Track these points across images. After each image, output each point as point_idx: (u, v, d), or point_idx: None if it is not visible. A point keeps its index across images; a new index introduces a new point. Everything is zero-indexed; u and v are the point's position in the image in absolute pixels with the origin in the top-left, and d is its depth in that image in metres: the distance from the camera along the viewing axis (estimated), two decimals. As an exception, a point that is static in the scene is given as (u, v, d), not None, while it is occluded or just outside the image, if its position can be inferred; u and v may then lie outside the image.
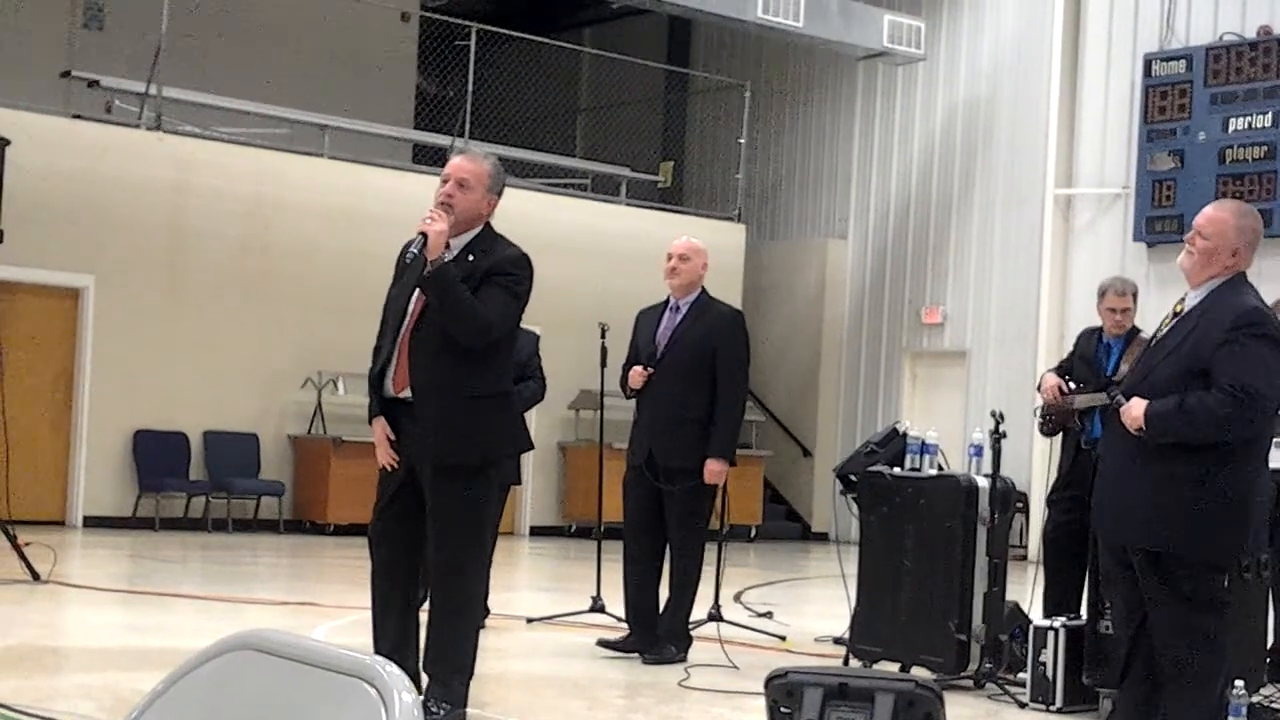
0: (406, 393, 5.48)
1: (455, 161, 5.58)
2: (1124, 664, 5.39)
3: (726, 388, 7.69)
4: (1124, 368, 7.24)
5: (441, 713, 5.52)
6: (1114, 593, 5.59)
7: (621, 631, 8.00)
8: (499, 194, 5.59)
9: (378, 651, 5.67)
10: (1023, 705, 6.80)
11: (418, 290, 5.44)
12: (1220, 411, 4.96)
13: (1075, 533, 7.42)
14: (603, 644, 7.83)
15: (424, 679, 5.64)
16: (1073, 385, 7.67)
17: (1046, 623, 6.84)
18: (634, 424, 7.89)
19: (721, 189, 19.50)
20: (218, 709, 1.92)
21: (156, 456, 14.66)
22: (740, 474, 11.44)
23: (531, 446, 5.90)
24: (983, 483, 7.22)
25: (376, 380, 5.57)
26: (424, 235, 5.29)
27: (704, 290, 7.89)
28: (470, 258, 5.47)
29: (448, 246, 5.40)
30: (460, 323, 5.36)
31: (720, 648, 7.70)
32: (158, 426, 14.75)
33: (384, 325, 5.61)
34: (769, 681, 4.66)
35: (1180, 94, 15.62)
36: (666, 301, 7.91)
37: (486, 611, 7.61)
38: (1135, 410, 5.09)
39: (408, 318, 5.49)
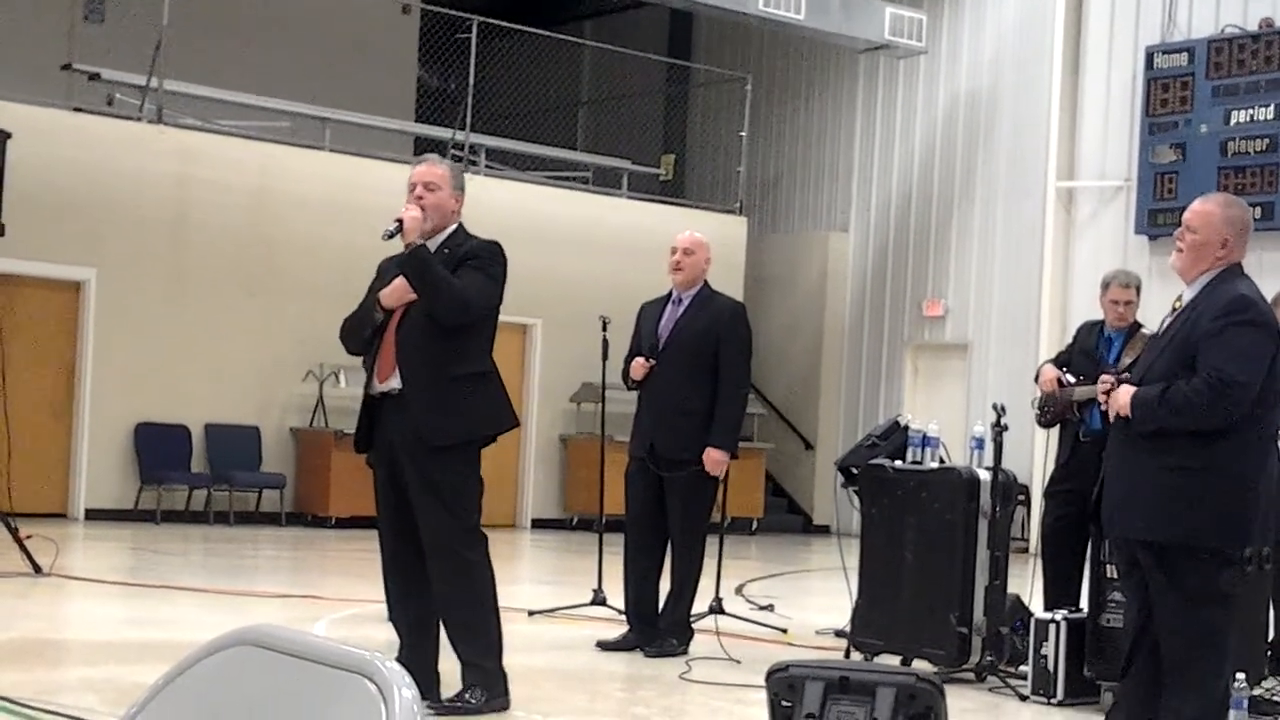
0: (390, 383, 5.72)
1: (416, 170, 5.87)
2: (1128, 657, 5.40)
3: (728, 379, 7.70)
4: (1126, 360, 7.23)
5: (480, 700, 5.62)
6: (1126, 585, 5.61)
7: (620, 624, 8.00)
8: (463, 190, 5.89)
9: (400, 644, 5.76)
10: (1024, 698, 6.81)
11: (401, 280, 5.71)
12: (1198, 400, 4.98)
13: (1074, 525, 7.43)
14: (601, 645, 7.80)
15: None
16: (1070, 378, 7.66)
17: (1048, 615, 6.84)
18: (636, 416, 7.90)
19: (723, 182, 19.49)
20: (218, 704, 1.92)
21: (158, 449, 14.67)
22: (741, 467, 11.43)
23: (517, 423, 6.01)
24: (984, 475, 7.22)
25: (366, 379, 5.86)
26: (400, 220, 5.60)
27: (706, 283, 7.91)
28: (446, 251, 5.75)
29: (425, 245, 5.68)
30: (439, 299, 5.60)
31: (718, 641, 7.69)
32: (159, 419, 14.76)
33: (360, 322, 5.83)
34: (770, 675, 4.66)
35: (1182, 86, 15.60)
36: (669, 294, 7.92)
37: None
38: (1122, 397, 5.14)
39: (393, 313, 5.75)
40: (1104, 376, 5.42)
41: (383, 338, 5.74)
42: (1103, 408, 5.43)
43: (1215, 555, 5.10)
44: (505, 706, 5.79)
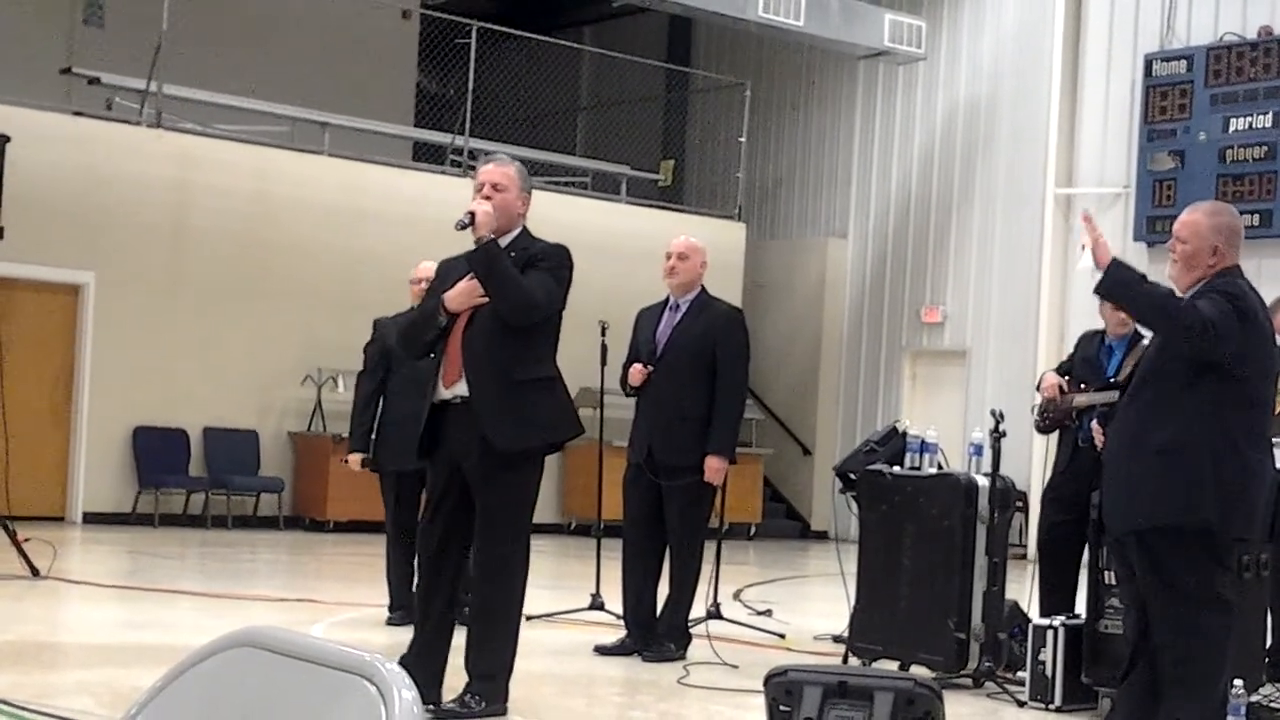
0: (456, 388, 5.66)
1: (485, 169, 5.82)
2: (1127, 663, 5.40)
3: (726, 385, 7.70)
4: (1127, 369, 7.23)
5: (479, 706, 5.64)
6: (1123, 592, 5.62)
7: (618, 629, 8.00)
8: (529, 193, 5.88)
9: (412, 643, 5.78)
10: (1022, 704, 6.80)
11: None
12: (1175, 304, 5.05)
13: (1072, 531, 7.43)
14: (599, 650, 7.80)
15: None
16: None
17: (1046, 621, 6.84)
18: (634, 422, 7.90)
19: (722, 188, 19.50)
20: (217, 706, 1.91)
21: (156, 453, 14.66)
22: (740, 472, 11.43)
23: (583, 430, 5.99)
24: (982, 481, 7.22)
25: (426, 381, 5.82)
26: (472, 213, 5.57)
27: (703, 289, 7.90)
28: (513, 254, 5.71)
29: (496, 241, 5.66)
30: (507, 297, 5.57)
31: (711, 647, 7.67)
32: (158, 423, 14.75)
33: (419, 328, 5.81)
34: (768, 679, 4.66)
35: (1181, 94, 15.62)
36: (666, 300, 7.92)
37: None
38: (1103, 250, 5.17)
39: (457, 317, 5.70)
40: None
41: (447, 342, 5.68)
42: (1083, 242, 5.36)
43: (1209, 543, 5.10)
44: (502, 713, 5.80)
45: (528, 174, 5.92)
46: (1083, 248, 5.38)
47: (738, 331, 7.84)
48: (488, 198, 5.67)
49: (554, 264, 5.72)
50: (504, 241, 5.69)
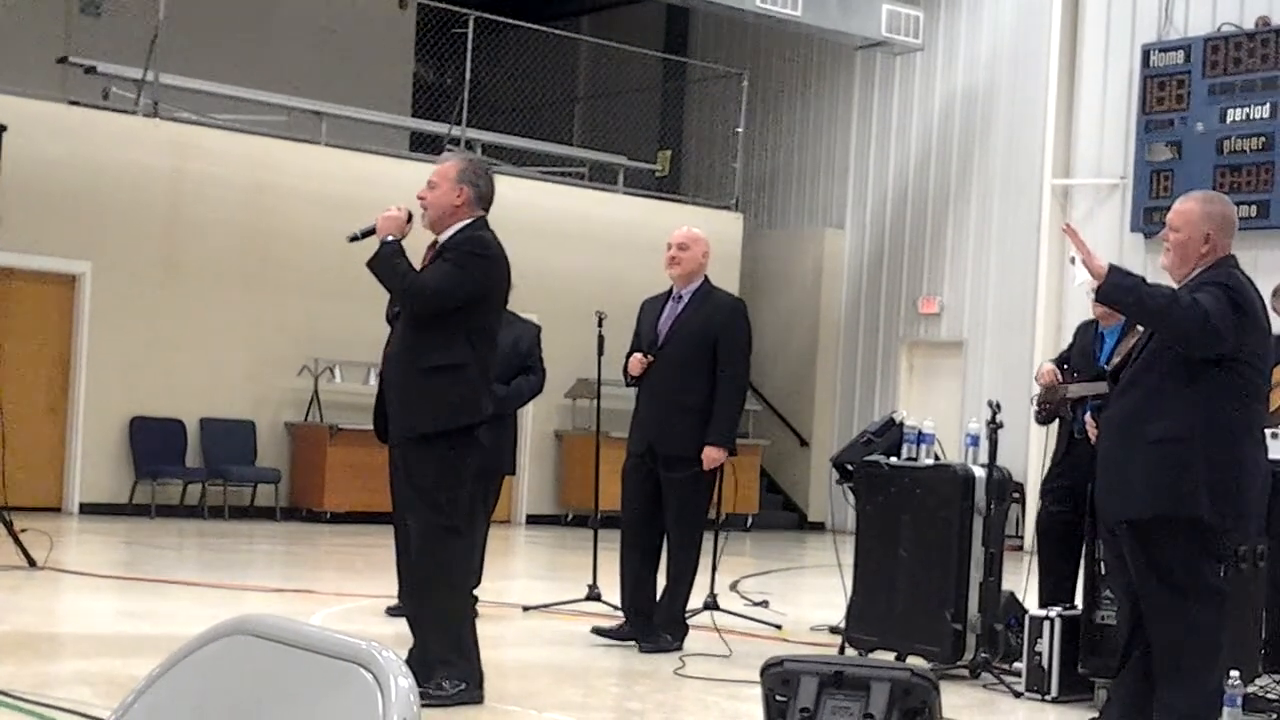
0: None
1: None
2: (1122, 654, 5.41)
3: (727, 376, 7.69)
4: (1118, 357, 7.23)
5: (452, 689, 5.64)
6: (1115, 584, 5.63)
7: (617, 620, 8.01)
8: (472, 183, 5.92)
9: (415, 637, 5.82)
10: (1018, 695, 6.81)
11: None
12: (1174, 305, 5.02)
13: (1068, 523, 7.43)
14: (597, 631, 7.82)
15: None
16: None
17: (1042, 612, 6.85)
18: (634, 412, 7.89)
19: (719, 178, 19.48)
20: (213, 693, 1.91)
21: (153, 443, 14.65)
22: (737, 463, 11.40)
23: (487, 418, 5.89)
24: (979, 473, 7.22)
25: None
26: (373, 226, 5.83)
27: (706, 279, 7.89)
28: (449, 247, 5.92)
29: (435, 242, 5.89)
30: (397, 291, 5.84)
31: (718, 635, 7.70)
32: (154, 413, 14.74)
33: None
34: (764, 670, 4.66)
35: (1178, 85, 15.61)
36: (669, 291, 7.91)
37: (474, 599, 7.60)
38: (1095, 261, 5.12)
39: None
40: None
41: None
42: (1071, 254, 5.36)
43: (1202, 535, 5.10)
44: (479, 700, 5.79)
45: (479, 168, 6.04)
46: (1072, 260, 5.37)
47: (740, 322, 7.83)
48: (421, 197, 5.90)
49: (458, 254, 5.80)
50: (446, 234, 5.87)
